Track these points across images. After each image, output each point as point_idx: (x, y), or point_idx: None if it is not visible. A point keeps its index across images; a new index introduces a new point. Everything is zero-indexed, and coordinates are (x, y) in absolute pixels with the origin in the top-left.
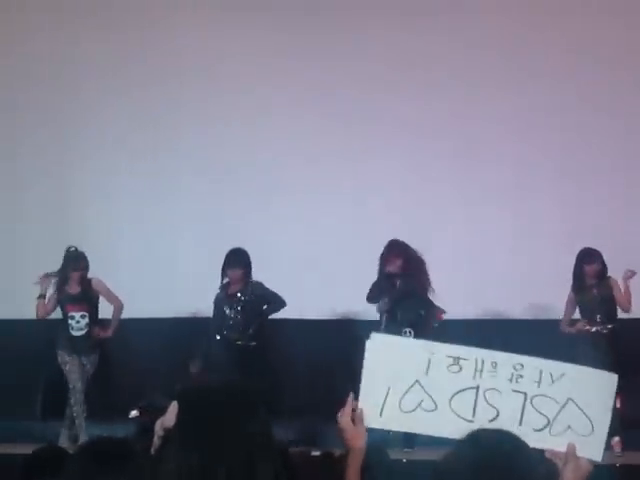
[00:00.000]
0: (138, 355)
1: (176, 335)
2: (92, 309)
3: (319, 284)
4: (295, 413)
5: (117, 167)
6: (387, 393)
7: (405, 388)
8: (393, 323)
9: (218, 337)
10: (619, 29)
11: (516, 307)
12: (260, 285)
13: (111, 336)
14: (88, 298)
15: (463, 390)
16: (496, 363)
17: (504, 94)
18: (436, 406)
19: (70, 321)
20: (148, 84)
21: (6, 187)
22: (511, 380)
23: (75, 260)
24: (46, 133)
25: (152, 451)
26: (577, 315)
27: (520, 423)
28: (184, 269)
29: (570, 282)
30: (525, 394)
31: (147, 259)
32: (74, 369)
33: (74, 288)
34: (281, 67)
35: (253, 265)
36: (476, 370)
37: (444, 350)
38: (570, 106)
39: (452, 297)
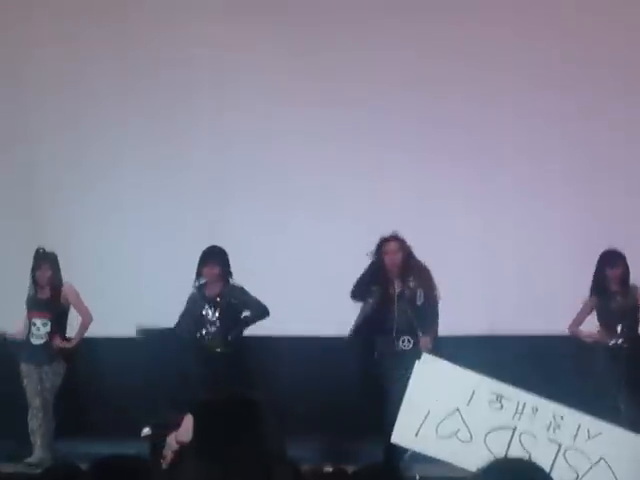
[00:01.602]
0: (143, 371)
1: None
2: (57, 317)
3: (328, 302)
4: (307, 430)
5: (121, 175)
6: (427, 415)
7: (445, 414)
8: (389, 332)
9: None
10: (619, 32)
11: (529, 323)
12: (241, 290)
13: (72, 347)
14: (55, 305)
15: (500, 428)
16: (537, 409)
17: (514, 109)
18: (471, 438)
19: (32, 328)
20: (158, 94)
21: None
22: (548, 429)
23: (42, 259)
24: (47, 139)
25: (164, 465)
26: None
27: (549, 473)
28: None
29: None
30: (560, 445)
31: (143, 272)
32: (31, 384)
33: (44, 292)
34: (288, 83)
35: (253, 280)
36: (516, 412)
37: (489, 385)
38: (579, 121)
39: (464, 313)
